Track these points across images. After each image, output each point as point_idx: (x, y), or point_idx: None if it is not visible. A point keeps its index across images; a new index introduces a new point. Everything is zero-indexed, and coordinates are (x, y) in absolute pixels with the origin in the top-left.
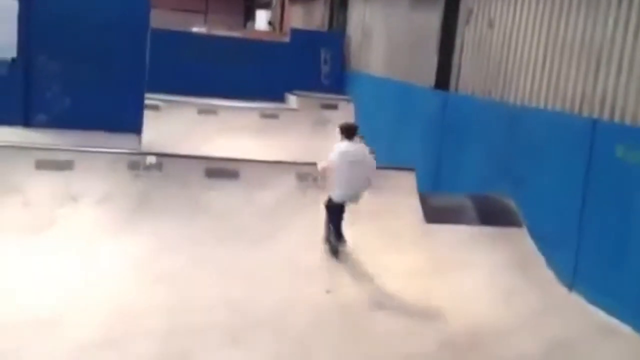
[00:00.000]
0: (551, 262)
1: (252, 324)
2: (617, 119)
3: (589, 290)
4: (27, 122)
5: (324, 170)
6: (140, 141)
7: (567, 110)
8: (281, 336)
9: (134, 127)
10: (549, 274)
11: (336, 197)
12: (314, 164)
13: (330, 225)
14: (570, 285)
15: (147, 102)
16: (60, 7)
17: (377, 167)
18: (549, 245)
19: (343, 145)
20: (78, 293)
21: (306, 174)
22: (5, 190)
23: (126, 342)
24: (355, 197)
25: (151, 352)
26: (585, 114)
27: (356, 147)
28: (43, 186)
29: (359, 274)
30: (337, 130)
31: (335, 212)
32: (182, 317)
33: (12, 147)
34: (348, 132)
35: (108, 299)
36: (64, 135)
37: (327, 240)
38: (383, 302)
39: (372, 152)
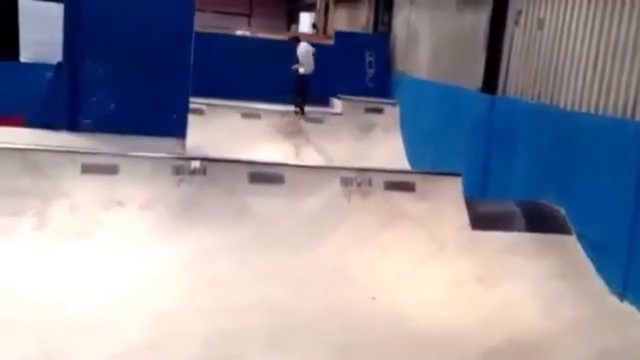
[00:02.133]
0: (602, 270)
1: (295, 330)
2: None
3: None
4: (72, 126)
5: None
6: (184, 146)
7: (620, 114)
8: (324, 342)
9: (179, 131)
10: (599, 283)
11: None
12: (358, 169)
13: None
14: (622, 295)
15: (191, 106)
16: (105, 10)
17: (424, 173)
18: (600, 253)
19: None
20: (124, 297)
21: (350, 178)
22: (51, 194)
23: (170, 345)
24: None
25: (195, 355)
26: (638, 118)
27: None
28: (89, 190)
29: (404, 281)
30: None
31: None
32: (226, 321)
33: (58, 151)
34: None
35: (153, 302)
36: (109, 140)
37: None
38: (428, 310)
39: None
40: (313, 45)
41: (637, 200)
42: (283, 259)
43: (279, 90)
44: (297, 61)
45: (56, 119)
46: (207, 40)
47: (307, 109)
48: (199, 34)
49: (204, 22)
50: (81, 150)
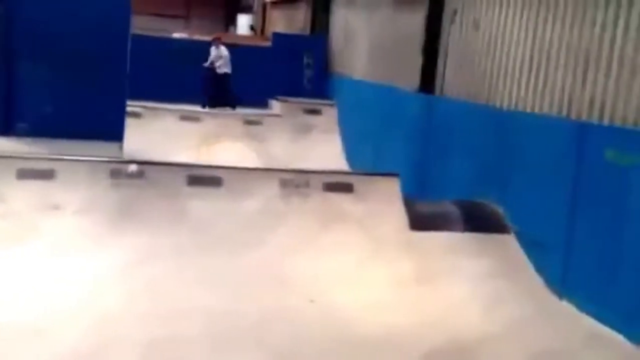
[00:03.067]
0: (540, 269)
1: (235, 334)
2: (606, 121)
3: (580, 298)
4: (7, 130)
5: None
6: (122, 149)
7: (555, 113)
8: (264, 348)
9: (116, 134)
10: (538, 282)
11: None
12: (297, 171)
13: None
14: (560, 293)
15: (128, 109)
16: (40, 13)
17: (362, 174)
18: (538, 252)
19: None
20: (59, 303)
21: (289, 180)
22: None
23: (108, 353)
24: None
25: None
26: (573, 117)
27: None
28: (24, 196)
29: (343, 283)
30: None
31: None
32: (164, 326)
33: None
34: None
35: (90, 308)
36: (45, 144)
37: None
38: (367, 312)
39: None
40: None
41: (574, 198)
42: (221, 262)
43: None
44: (212, 61)
45: None
46: (144, 43)
47: (244, 110)
48: (136, 37)
49: (141, 24)
50: (16, 155)
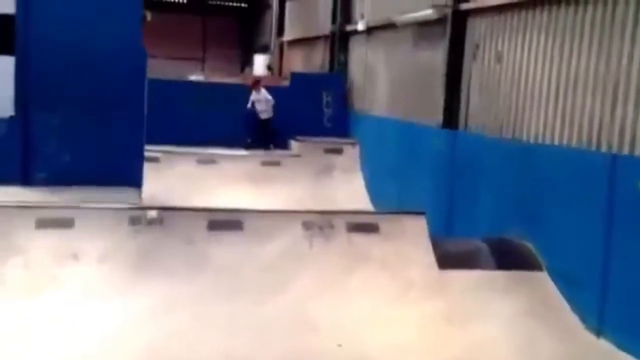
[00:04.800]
0: (576, 306)
1: None
2: (638, 152)
3: (619, 336)
4: (26, 180)
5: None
6: (140, 195)
7: (584, 145)
8: None
9: (135, 180)
10: (573, 320)
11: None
12: (320, 212)
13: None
14: (598, 331)
15: (146, 154)
16: (56, 61)
17: (387, 213)
18: (572, 288)
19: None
20: (81, 353)
21: (312, 222)
22: (5, 251)
23: None
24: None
25: None
26: (603, 148)
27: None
28: (43, 246)
29: (371, 326)
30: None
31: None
32: None
33: (11, 206)
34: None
35: (109, 357)
36: (63, 193)
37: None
38: (396, 354)
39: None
40: (268, 87)
41: (608, 231)
42: (245, 308)
43: (234, 135)
44: (253, 105)
45: (9, 173)
46: (161, 86)
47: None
48: (151, 81)
49: (157, 68)
50: (35, 205)
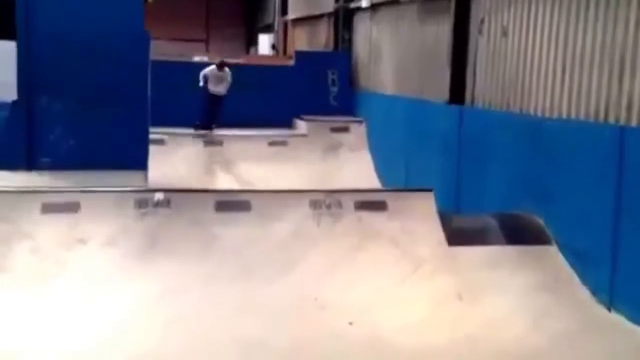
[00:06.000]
0: (586, 279)
1: None
2: None
3: (630, 308)
4: (30, 165)
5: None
6: (146, 178)
7: (592, 118)
8: None
9: (140, 163)
10: (584, 293)
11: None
12: (327, 191)
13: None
14: (609, 304)
15: (152, 136)
16: (58, 45)
17: (394, 190)
18: (583, 262)
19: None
20: (91, 338)
21: (319, 201)
22: (11, 236)
23: None
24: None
25: None
26: (611, 121)
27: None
28: (50, 230)
29: (382, 304)
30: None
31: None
32: (199, 357)
33: (16, 191)
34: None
35: (122, 342)
36: (68, 177)
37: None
38: (408, 332)
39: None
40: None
41: (618, 204)
42: (254, 289)
43: (240, 114)
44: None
45: (13, 159)
46: (165, 68)
47: (271, 132)
48: (156, 63)
49: (161, 50)
50: (40, 189)
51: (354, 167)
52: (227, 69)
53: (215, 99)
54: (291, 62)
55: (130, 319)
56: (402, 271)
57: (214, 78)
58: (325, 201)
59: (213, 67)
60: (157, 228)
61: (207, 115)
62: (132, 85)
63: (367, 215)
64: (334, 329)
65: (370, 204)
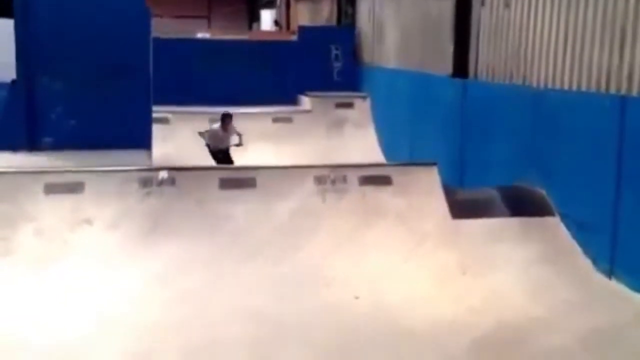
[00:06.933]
0: (587, 249)
1: (279, 338)
2: None
3: (630, 277)
4: (32, 146)
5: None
6: (151, 156)
7: (594, 89)
8: (310, 349)
9: (143, 142)
10: (586, 263)
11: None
12: (332, 166)
13: None
14: (610, 273)
15: (156, 115)
16: (58, 23)
17: (399, 165)
18: (584, 232)
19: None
20: (96, 318)
21: (324, 177)
22: (14, 218)
23: None
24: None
25: None
26: (612, 91)
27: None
28: (54, 211)
29: (387, 278)
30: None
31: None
32: (206, 334)
33: (19, 172)
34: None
35: (130, 323)
36: (71, 157)
37: None
38: (414, 305)
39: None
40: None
41: (619, 174)
42: (261, 266)
43: (243, 92)
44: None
45: (14, 139)
46: (167, 46)
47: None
48: (158, 40)
49: (163, 27)
50: (43, 170)
51: (359, 142)
52: (233, 125)
53: (220, 154)
54: (294, 38)
55: (138, 298)
56: (407, 245)
57: (216, 139)
58: (330, 177)
59: (217, 126)
60: (161, 207)
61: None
62: (134, 63)
63: (371, 190)
64: (341, 303)
65: (374, 179)
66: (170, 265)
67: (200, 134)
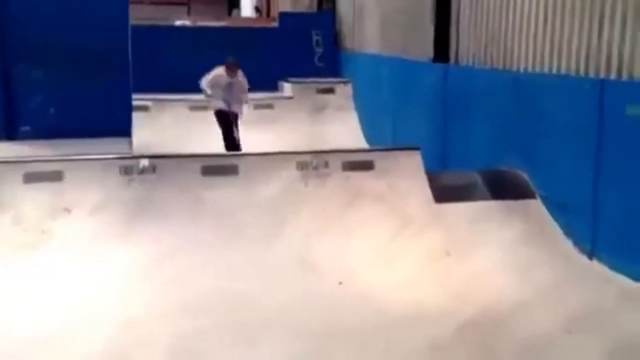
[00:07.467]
0: (569, 231)
1: (264, 323)
2: (625, 76)
3: (611, 257)
4: (10, 135)
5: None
6: (131, 144)
7: (573, 72)
8: (294, 333)
9: (123, 130)
10: (567, 245)
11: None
12: (314, 152)
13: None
14: (591, 254)
15: (135, 103)
16: (34, 10)
17: (381, 149)
18: (566, 214)
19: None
20: (80, 307)
21: (306, 162)
22: None
23: (135, 352)
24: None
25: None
26: (591, 74)
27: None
28: (33, 200)
29: (371, 263)
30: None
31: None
32: (192, 321)
33: None
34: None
35: (113, 312)
36: (50, 146)
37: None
38: (397, 289)
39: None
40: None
41: (599, 156)
42: (244, 252)
43: None
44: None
45: None
46: (146, 33)
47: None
48: (137, 28)
49: (142, 14)
50: (21, 159)
51: (341, 127)
52: (240, 73)
53: (226, 117)
54: (275, 24)
55: (121, 286)
56: (391, 230)
57: (221, 86)
58: (312, 162)
59: (220, 69)
60: (143, 195)
61: (227, 139)
62: (113, 50)
63: (354, 176)
64: (324, 287)
65: (357, 164)
66: (153, 252)
67: (202, 90)
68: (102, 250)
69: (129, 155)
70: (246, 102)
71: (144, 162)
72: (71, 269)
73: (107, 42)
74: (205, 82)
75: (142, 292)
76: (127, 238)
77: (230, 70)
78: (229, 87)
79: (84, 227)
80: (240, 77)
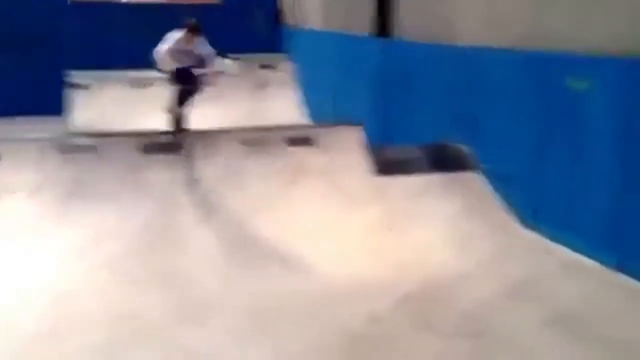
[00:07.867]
0: (510, 203)
1: (203, 301)
2: (566, 49)
3: (551, 228)
4: None
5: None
6: (70, 123)
7: (515, 45)
8: (233, 311)
9: (60, 108)
10: (508, 217)
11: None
12: (257, 128)
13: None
14: (532, 225)
15: (76, 80)
16: None
17: (324, 125)
18: (507, 186)
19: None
20: (18, 288)
21: (250, 139)
22: None
23: (70, 332)
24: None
25: (97, 340)
26: (531, 48)
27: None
28: None
29: (313, 237)
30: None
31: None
32: (128, 302)
33: None
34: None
35: (49, 291)
36: None
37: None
38: (339, 263)
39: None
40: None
41: (538, 128)
42: (188, 229)
43: None
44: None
45: None
46: (86, 10)
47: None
48: (76, 5)
49: None
50: None
51: (283, 103)
52: (202, 39)
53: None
54: (217, 1)
55: (59, 266)
56: (334, 204)
57: (178, 52)
58: (255, 139)
59: (178, 34)
60: (83, 174)
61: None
62: (47, 28)
63: (297, 151)
64: (268, 263)
65: (300, 140)
66: (94, 232)
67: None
68: (39, 232)
69: (67, 134)
70: (212, 70)
71: (84, 141)
72: (8, 249)
73: (41, 21)
74: (163, 51)
75: (79, 272)
76: (66, 219)
77: (192, 35)
78: (189, 53)
79: (22, 207)
80: (203, 42)
